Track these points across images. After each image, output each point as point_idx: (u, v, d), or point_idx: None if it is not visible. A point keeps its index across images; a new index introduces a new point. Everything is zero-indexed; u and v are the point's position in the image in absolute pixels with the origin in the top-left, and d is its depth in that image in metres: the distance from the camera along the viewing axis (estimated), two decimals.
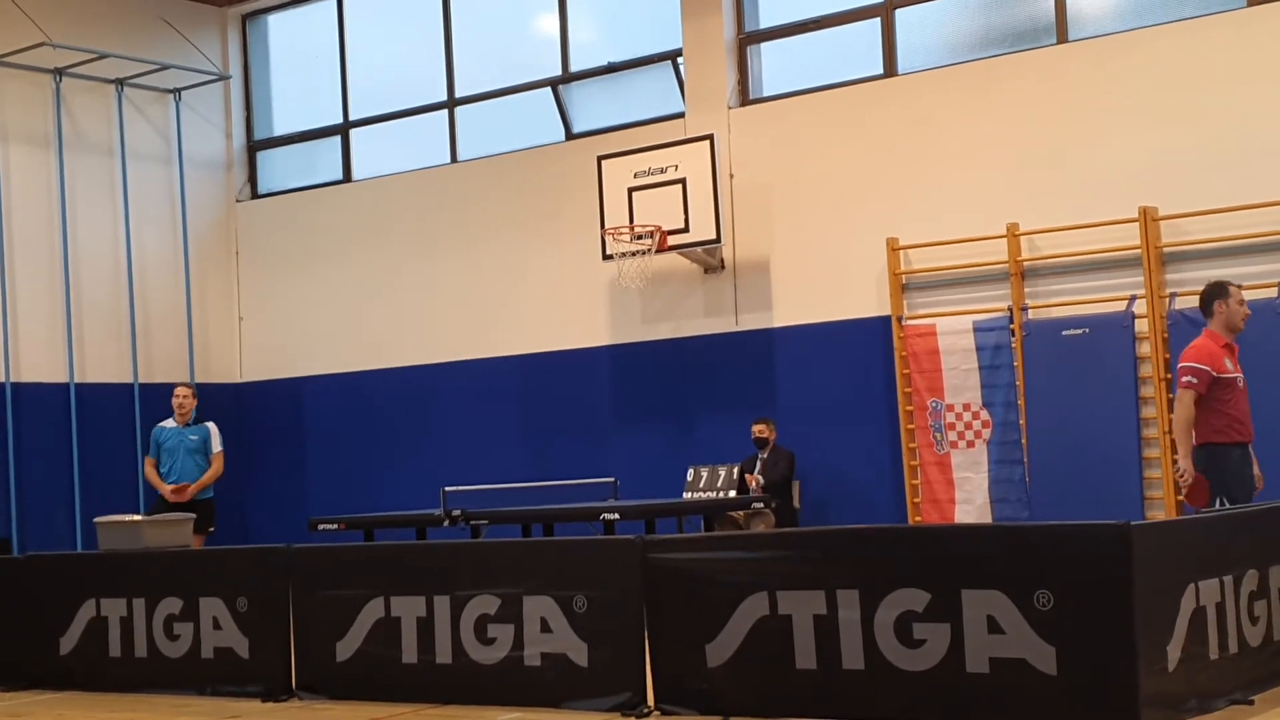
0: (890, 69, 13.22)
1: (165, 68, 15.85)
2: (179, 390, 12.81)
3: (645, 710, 6.82)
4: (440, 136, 15.72)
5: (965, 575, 6.15)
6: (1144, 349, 11.64)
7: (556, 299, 14.65)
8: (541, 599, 7.18)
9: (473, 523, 11.76)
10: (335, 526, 12.34)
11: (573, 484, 13.04)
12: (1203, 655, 6.21)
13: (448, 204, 15.47)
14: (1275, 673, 6.65)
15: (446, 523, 11.70)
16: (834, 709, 6.38)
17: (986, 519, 12.05)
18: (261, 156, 17.05)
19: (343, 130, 16.47)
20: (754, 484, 12.77)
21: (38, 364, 15.03)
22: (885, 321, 12.82)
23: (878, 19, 13.24)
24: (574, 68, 14.91)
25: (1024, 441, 12.09)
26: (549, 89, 14.99)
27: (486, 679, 7.32)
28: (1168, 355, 11.45)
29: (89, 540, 13.59)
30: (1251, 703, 6.27)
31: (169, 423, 12.69)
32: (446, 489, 11.91)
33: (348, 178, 16.42)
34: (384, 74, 16.38)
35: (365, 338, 15.84)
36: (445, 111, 15.72)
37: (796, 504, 12.99)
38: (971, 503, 12.26)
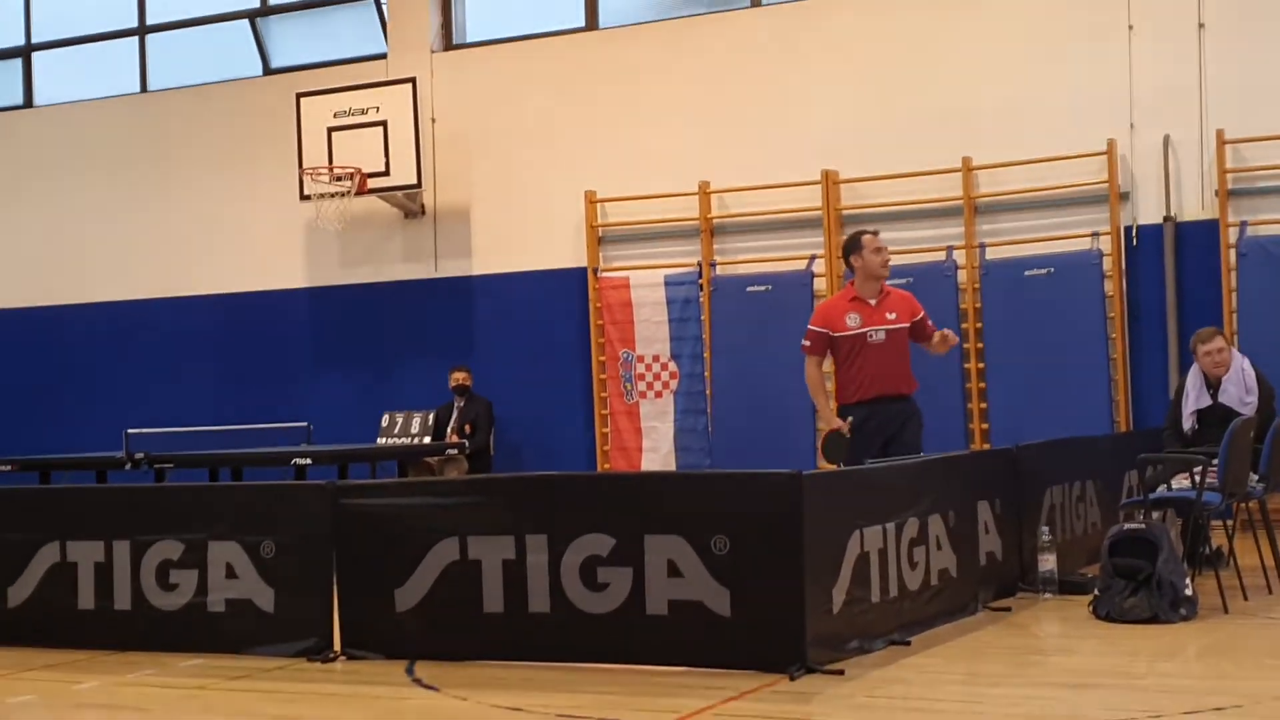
0: (592, 22, 13.36)
1: None
2: None
3: (331, 655, 6.83)
4: (131, 64, 15.12)
5: (648, 521, 6.34)
6: None
7: (252, 238, 14.32)
8: (227, 544, 7.08)
9: (156, 466, 11.45)
10: (7, 468, 11.84)
11: (264, 428, 12.82)
12: (865, 598, 6.57)
13: (139, 134, 14.90)
14: (932, 615, 7.08)
15: (129, 466, 11.37)
16: (520, 651, 6.51)
17: (671, 467, 12.42)
18: None
19: (24, 53, 15.66)
20: (454, 438, 12.80)
21: None
22: (581, 273, 13.02)
23: None
24: (273, 1, 14.55)
25: (708, 393, 12.49)
26: (247, 21, 14.59)
27: (168, 625, 7.18)
28: None
29: None
30: (909, 643, 6.65)
31: None
32: (129, 431, 11.57)
33: (29, 103, 15.64)
34: None
35: (51, 272, 15.15)
36: (136, 38, 15.13)
37: (491, 450, 13.11)
38: (657, 451, 12.61)
